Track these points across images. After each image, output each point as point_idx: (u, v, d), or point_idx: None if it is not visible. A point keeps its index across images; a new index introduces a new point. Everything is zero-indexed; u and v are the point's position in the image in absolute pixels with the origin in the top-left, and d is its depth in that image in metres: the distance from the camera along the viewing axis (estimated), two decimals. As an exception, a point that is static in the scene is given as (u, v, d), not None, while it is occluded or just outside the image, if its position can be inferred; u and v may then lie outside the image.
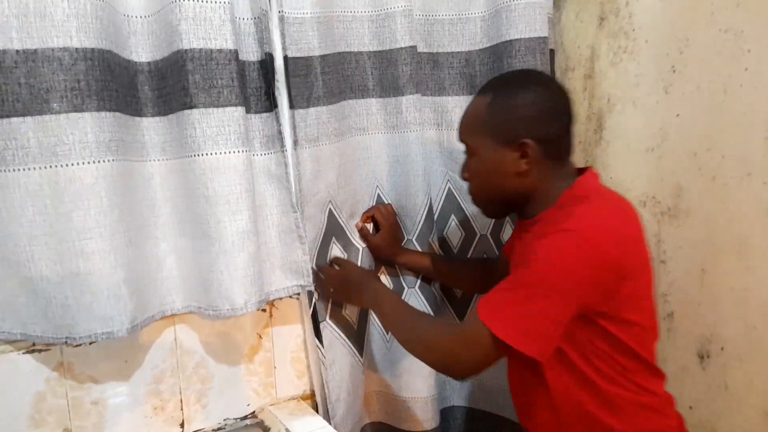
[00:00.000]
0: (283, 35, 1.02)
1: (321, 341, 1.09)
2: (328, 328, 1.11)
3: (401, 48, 1.13)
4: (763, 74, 0.93)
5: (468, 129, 0.94)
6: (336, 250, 1.14)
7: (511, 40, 1.13)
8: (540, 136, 0.87)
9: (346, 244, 1.16)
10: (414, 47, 1.14)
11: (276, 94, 1.02)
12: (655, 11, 1.08)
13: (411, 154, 1.16)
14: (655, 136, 1.09)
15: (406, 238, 1.21)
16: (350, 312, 1.16)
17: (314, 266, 1.08)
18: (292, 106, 1.04)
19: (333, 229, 1.13)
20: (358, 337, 1.18)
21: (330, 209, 1.12)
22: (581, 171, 0.92)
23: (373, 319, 1.23)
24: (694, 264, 1.05)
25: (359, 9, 1.13)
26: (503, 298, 0.82)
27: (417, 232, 1.20)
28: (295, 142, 1.04)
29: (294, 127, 1.04)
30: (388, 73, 1.15)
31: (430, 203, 1.19)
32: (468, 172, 0.96)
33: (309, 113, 1.06)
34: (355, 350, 1.17)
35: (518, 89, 0.89)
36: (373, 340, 1.24)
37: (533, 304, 0.79)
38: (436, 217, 1.24)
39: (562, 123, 0.90)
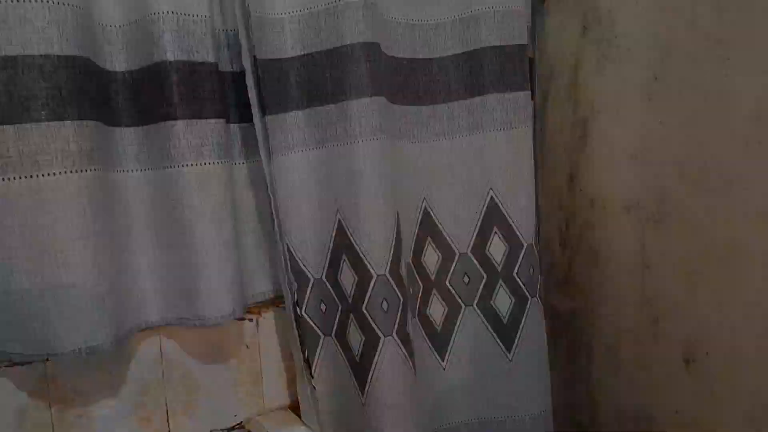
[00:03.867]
0: (249, 35, 0.98)
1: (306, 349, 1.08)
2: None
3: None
4: (741, 82, 0.94)
5: None
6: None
7: (494, 46, 1.12)
8: None
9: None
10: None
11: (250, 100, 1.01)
12: (637, 19, 1.09)
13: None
14: (638, 143, 1.10)
15: (376, 275, 1.00)
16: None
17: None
18: (264, 113, 1.00)
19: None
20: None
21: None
22: None
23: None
24: (678, 269, 1.06)
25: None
26: None
27: (388, 265, 1.00)
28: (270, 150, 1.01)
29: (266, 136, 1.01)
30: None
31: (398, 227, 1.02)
32: None
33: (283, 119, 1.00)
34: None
35: None
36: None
37: None
38: (412, 243, 1.11)
39: None
